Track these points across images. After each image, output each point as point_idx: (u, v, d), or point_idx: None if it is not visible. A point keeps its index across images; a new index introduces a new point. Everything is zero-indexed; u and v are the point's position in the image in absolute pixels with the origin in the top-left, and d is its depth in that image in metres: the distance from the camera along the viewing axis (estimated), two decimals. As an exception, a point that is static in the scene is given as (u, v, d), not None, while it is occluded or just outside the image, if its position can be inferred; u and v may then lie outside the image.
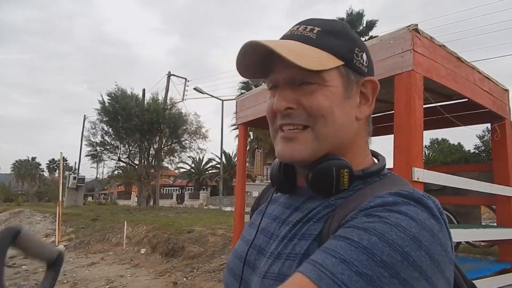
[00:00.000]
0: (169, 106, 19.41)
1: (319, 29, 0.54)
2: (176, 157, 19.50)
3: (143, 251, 7.33)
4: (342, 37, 0.54)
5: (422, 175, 2.10)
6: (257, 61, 0.54)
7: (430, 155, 18.02)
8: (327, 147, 0.54)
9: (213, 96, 22.63)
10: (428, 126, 3.31)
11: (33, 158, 59.92)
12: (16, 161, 58.84)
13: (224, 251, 6.20)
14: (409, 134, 2.13)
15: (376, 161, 0.60)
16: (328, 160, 0.53)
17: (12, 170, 58.55)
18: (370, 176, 0.54)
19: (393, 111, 2.27)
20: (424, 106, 3.03)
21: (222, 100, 22.96)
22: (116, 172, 25.43)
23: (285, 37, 0.55)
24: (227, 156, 35.26)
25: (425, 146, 22.70)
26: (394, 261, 0.37)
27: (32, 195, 35.96)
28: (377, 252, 0.38)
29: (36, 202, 25.49)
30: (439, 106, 2.68)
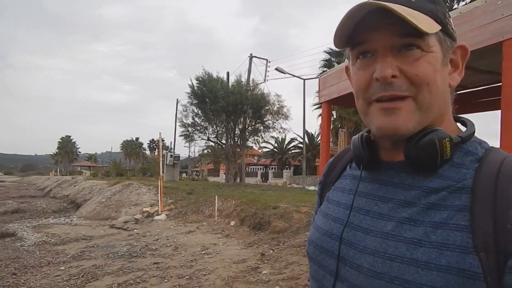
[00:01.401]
0: (251, 88, 19.95)
1: None
2: (259, 137, 20.15)
3: (232, 223, 7.91)
4: (434, 1, 0.52)
5: (536, 154, 1.86)
6: (348, 29, 0.51)
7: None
8: (430, 117, 0.52)
9: (294, 76, 22.50)
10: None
11: (137, 139, 67.91)
12: (124, 141, 67.41)
13: (309, 228, 6.33)
14: (520, 108, 1.90)
15: (462, 128, 0.57)
16: (430, 132, 0.51)
17: (121, 149, 67.39)
18: (468, 139, 0.53)
19: (500, 83, 2.04)
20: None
21: (304, 79, 22.69)
22: (205, 151, 27.33)
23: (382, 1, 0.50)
24: (310, 136, 34.99)
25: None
26: None
27: (138, 170, 41.01)
28: None
29: (141, 177, 29.05)
30: None
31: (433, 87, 0.50)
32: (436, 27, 0.49)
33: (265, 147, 36.56)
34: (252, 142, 21.21)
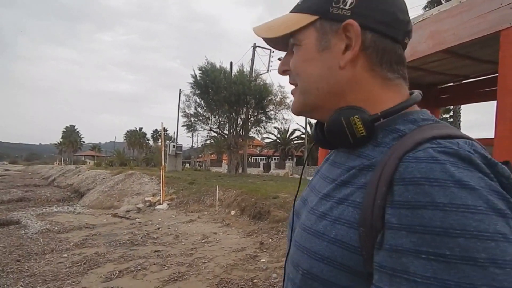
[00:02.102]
0: (254, 78, 19.88)
1: None
2: (262, 127, 20.16)
3: (233, 212, 7.98)
4: None
5: (531, 144, 1.86)
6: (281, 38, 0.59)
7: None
8: (310, 98, 0.57)
9: (298, 66, 22.30)
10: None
11: (140, 129, 68.07)
12: (128, 131, 67.63)
13: (308, 218, 6.39)
14: (516, 98, 1.89)
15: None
16: (338, 110, 0.53)
17: (124, 139, 67.67)
18: (390, 115, 0.52)
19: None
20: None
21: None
22: (208, 142, 27.39)
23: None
24: (312, 127, 34.88)
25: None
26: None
27: (141, 160, 41.31)
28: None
29: (144, 167, 29.28)
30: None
31: (302, 75, 0.57)
32: (301, 22, 0.55)
33: (268, 138, 36.59)
34: (254, 133, 21.24)
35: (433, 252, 0.37)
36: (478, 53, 2.71)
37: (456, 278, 0.35)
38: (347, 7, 0.52)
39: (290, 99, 19.82)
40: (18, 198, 13.45)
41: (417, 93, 0.57)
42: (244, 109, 19.45)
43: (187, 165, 39.53)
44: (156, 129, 67.07)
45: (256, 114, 19.62)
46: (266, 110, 19.35)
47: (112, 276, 4.44)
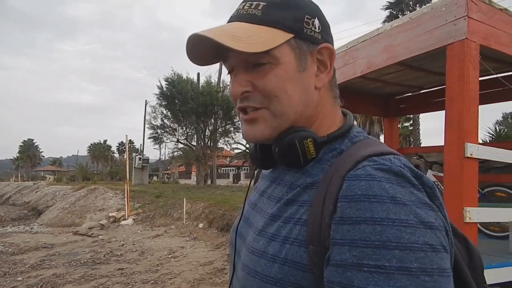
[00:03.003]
0: (222, 89, 19.89)
1: (264, 3, 0.51)
2: (230, 138, 20.11)
3: (201, 225, 7.83)
4: (288, 7, 0.52)
5: (477, 150, 1.98)
6: (210, 48, 0.52)
7: (502, 130, 16.25)
8: (286, 122, 0.53)
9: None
10: (492, 99, 3.06)
11: (105, 141, 65.67)
12: (91, 144, 64.98)
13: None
14: (461, 107, 2.02)
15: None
16: (292, 132, 0.53)
17: (88, 152, 64.89)
18: (335, 139, 0.54)
19: (447, 85, 2.16)
20: (487, 77, 2.80)
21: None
22: (176, 153, 26.91)
23: (231, 19, 0.54)
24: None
25: (497, 121, 20.53)
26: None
27: (106, 174, 39.68)
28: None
29: (109, 181, 28.15)
30: (502, 77, 2.47)
31: (282, 97, 0.52)
32: (278, 40, 0.50)
33: (237, 148, 36.52)
34: (223, 144, 21.15)
35: (374, 264, 0.39)
36: (429, 66, 2.87)
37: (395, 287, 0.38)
38: (317, 30, 0.53)
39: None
40: (-33, 218, 12.44)
41: (348, 112, 0.60)
42: (212, 120, 19.35)
43: (154, 177, 38.51)
44: (121, 142, 65.00)
45: (224, 124, 19.58)
46: (234, 120, 19.35)
47: (71, 298, 4.19)
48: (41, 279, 5.06)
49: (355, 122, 0.59)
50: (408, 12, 19.61)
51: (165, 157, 45.58)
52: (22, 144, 70.66)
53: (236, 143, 23.89)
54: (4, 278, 5.33)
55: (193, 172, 39.51)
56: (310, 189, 0.50)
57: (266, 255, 0.49)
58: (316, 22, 0.53)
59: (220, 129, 19.72)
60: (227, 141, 20.71)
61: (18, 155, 69.86)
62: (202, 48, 0.52)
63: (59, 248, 7.28)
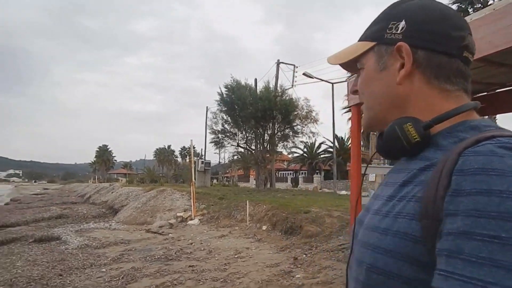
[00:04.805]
0: (279, 93, 20.03)
1: (371, 22, 0.66)
2: (289, 142, 20.13)
3: (264, 227, 7.96)
4: (380, 20, 0.64)
5: None
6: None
7: None
8: (375, 113, 0.65)
9: (322, 80, 22.31)
10: None
11: (169, 146, 69.86)
12: (157, 149, 69.58)
13: (342, 232, 6.26)
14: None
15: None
16: (393, 121, 0.60)
17: (154, 157, 69.55)
18: (441, 120, 0.56)
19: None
20: None
21: (332, 83, 22.46)
22: (235, 157, 27.62)
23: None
24: (340, 140, 34.43)
25: None
26: None
27: (170, 177, 42.20)
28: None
29: (173, 183, 29.82)
30: None
31: (366, 93, 0.66)
32: (360, 50, 0.65)
33: (295, 152, 36.37)
34: (281, 148, 21.24)
35: (488, 234, 0.39)
36: (516, 61, 2.63)
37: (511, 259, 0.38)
38: (398, 31, 0.61)
39: (315, 112, 19.79)
40: (57, 215, 14.07)
41: (474, 101, 0.60)
42: (271, 124, 19.55)
43: (215, 180, 39.93)
44: (183, 146, 68.57)
45: (282, 129, 19.67)
46: (293, 124, 19.35)
47: (150, 290, 4.53)
48: (121, 271, 5.56)
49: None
50: (480, 5, 17.94)
51: (224, 161, 47.11)
52: (98, 149, 77.96)
53: (294, 147, 23.88)
54: (91, 268, 5.95)
55: (251, 176, 40.21)
56: (427, 170, 0.52)
57: (379, 229, 0.53)
58: (402, 24, 0.61)
59: (278, 133, 19.85)
60: (286, 145, 20.76)
61: (94, 159, 77.17)
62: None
63: (135, 244, 7.92)
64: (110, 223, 12.03)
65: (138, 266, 5.82)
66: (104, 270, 5.79)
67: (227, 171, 49.50)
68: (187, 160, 61.57)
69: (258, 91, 19.87)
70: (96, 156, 76.77)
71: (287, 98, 19.68)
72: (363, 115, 0.69)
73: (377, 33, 0.63)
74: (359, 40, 0.68)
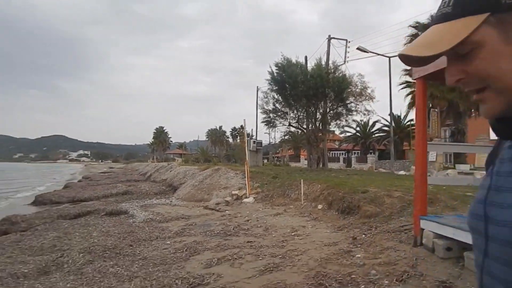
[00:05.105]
0: (332, 70, 19.34)
1: None
2: (342, 120, 19.53)
3: (320, 206, 7.89)
4: None
5: None
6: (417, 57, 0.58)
7: None
8: None
9: (378, 54, 21.12)
10: None
11: (220, 127, 71.70)
12: (209, 129, 71.84)
13: (403, 214, 5.99)
14: None
15: None
16: None
17: (206, 138, 72.00)
18: None
19: None
20: None
21: (389, 57, 21.15)
22: (286, 137, 27.56)
23: (431, 22, 0.58)
24: (396, 118, 32.66)
25: None
26: None
27: (222, 157, 43.50)
28: None
29: (226, 163, 30.72)
30: None
31: (497, 74, 0.53)
32: (469, 27, 0.51)
33: (348, 131, 35.31)
34: (334, 127, 20.71)
35: None
36: None
37: None
38: None
39: (371, 89, 18.83)
40: (123, 191, 15.31)
41: None
42: (323, 103, 19.05)
43: (265, 160, 40.39)
44: (234, 127, 69.92)
45: (335, 107, 19.08)
46: (346, 102, 18.66)
47: (212, 263, 4.74)
48: (184, 244, 5.88)
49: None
50: None
51: (274, 141, 47.29)
52: (155, 131, 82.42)
53: (347, 126, 23.12)
54: (157, 240, 6.38)
55: (302, 156, 40.02)
56: None
57: None
58: None
59: (331, 112, 19.31)
60: (339, 123, 20.17)
61: (152, 140, 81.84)
62: (413, 59, 0.58)
63: (194, 220, 8.33)
64: (171, 200, 12.78)
65: (199, 240, 6.11)
66: (168, 242, 6.18)
67: (277, 151, 49.72)
68: (238, 140, 62.89)
69: (309, 68, 19.37)
70: (153, 137, 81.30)
71: (340, 74, 18.96)
72: (489, 103, 0.56)
73: (487, 2, 0.52)
74: (442, 21, 0.55)
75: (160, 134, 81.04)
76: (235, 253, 5.13)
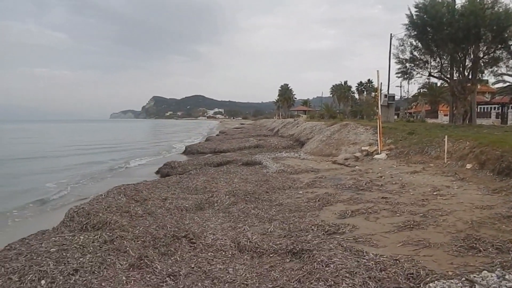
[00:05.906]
0: (489, 4, 15.68)
1: None
2: (501, 66, 16.05)
3: (468, 166, 6.90)
4: None
5: None
6: None
7: None
8: None
9: None
10: None
11: (345, 82, 68.32)
12: (333, 85, 69.46)
13: None
14: None
15: None
16: None
17: (330, 94, 70.10)
18: None
19: None
20: None
21: None
22: (422, 90, 24.52)
23: None
24: None
25: None
26: None
27: (348, 113, 41.86)
28: None
29: (352, 119, 29.59)
30: None
31: None
32: None
33: (507, 81, 28.97)
34: (488, 75, 17.25)
35: None
36: None
37: None
38: None
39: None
40: (255, 145, 16.56)
41: None
42: (473, 47, 15.90)
43: (396, 116, 37.15)
44: (360, 81, 65.75)
45: (492, 50, 15.69)
46: (509, 43, 15.10)
47: (346, 214, 4.78)
48: (316, 195, 6.07)
49: None
50: None
51: (407, 95, 42.69)
52: (280, 88, 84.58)
53: (506, 74, 18.90)
54: (290, 190, 6.77)
55: (440, 111, 35.12)
56: None
57: None
58: None
59: (485, 57, 16.03)
60: (495, 71, 16.68)
61: (277, 97, 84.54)
62: None
63: (324, 173, 8.44)
64: (299, 153, 13.22)
65: (331, 192, 6.21)
66: (301, 192, 6.48)
67: (410, 107, 44.93)
68: (365, 95, 59.11)
69: (458, 6, 16.20)
70: (278, 95, 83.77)
71: (501, 9, 15.27)
72: None
73: None
74: None
75: (285, 91, 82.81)
76: (370, 207, 5.03)
